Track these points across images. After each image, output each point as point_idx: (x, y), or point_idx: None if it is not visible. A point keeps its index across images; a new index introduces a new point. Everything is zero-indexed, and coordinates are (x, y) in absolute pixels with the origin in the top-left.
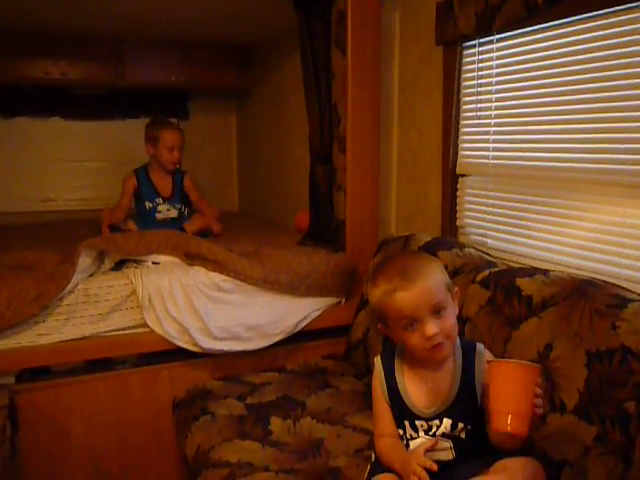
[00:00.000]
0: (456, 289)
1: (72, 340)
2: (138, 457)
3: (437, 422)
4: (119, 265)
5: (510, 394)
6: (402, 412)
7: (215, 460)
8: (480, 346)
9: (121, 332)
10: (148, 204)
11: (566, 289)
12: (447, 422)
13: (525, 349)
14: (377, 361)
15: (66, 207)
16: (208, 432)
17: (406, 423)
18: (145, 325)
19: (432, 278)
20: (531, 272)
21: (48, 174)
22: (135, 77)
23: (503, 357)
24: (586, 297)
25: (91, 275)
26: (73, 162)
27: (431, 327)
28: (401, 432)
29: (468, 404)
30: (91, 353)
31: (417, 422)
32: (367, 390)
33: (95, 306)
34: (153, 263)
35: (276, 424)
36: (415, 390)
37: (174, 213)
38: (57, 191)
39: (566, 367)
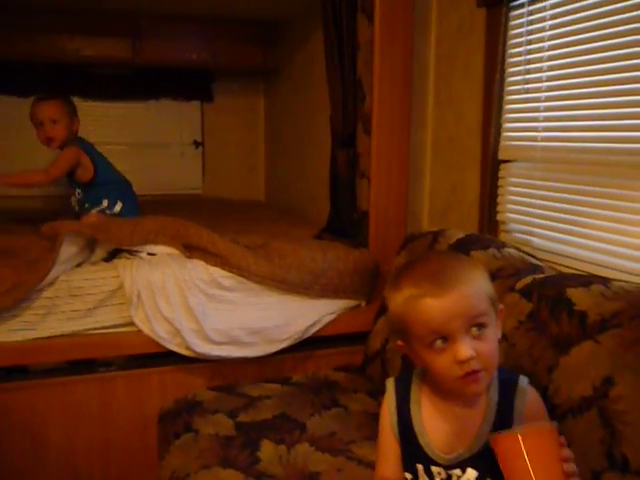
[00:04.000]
0: (501, 306)
1: (51, 337)
2: (122, 471)
3: (459, 472)
4: (112, 255)
5: (531, 475)
6: (414, 453)
7: None
8: (523, 380)
9: (106, 330)
10: None
11: (633, 306)
12: (472, 474)
13: (576, 381)
14: (389, 385)
15: None
16: (187, 455)
17: (419, 467)
18: (133, 324)
19: (473, 286)
20: (587, 281)
21: None
22: (154, 55)
23: (547, 388)
24: None
25: (78, 266)
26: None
27: (465, 348)
28: (409, 477)
29: None
30: (72, 353)
31: (433, 468)
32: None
33: (78, 300)
34: (148, 254)
35: (267, 450)
36: (434, 428)
37: (73, 202)
38: None
39: (632, 411)
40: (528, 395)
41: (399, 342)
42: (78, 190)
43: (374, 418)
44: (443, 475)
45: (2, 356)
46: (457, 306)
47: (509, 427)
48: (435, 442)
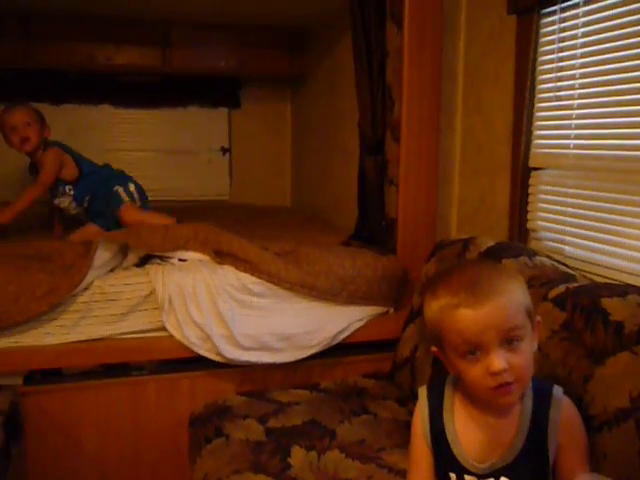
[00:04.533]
0: (538, 318)
1: (85, 341)
2: (153, 473)
3: None
4: (144, 261)
5: None
6: (447, 462)
7: None
8: (558, 390)
9: (138, 335)
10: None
11: None
12: None
13: (612, 392)
14: (422, 393)
15: None
16: (219, 459)
17: (452, 476)
18: (164, 329)
19: (509, 297)
20: (622, 291)
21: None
22: (183, 63)
23: (582, 399)
24: None
25: (111, 270)
26: (122, 151)
27: (499, 361)
28: None
29: (535, 464)
30: (105, 356)
31: (467, 477)
32: (410, 420)
33: (111, 305)
34: (180, 260)
35: (297, 456)
36: (467, 436)
37: (65, 203)
38: None
39: None
40: (563, 405)
41: (433, 348)
42: (68, 187)
43: (404, 426)
44: None
45: (37, 359)
46: (492, 317)
47: (544, 437)
48: (468, 451)
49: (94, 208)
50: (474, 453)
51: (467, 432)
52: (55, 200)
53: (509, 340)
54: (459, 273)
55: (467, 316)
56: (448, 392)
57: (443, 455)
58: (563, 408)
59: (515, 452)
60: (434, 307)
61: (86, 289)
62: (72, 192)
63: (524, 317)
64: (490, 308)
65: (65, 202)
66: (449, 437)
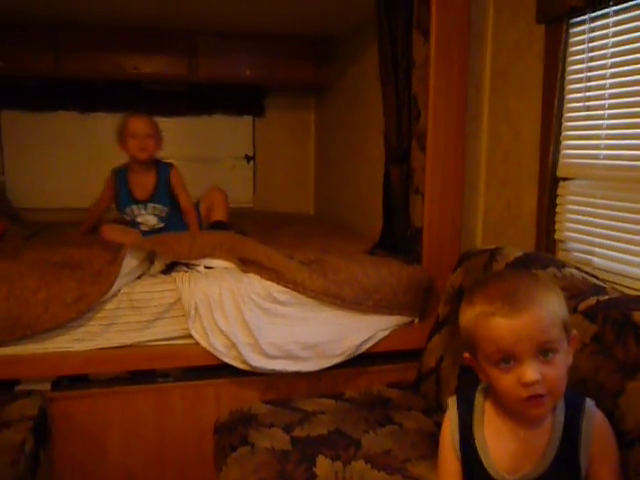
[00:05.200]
0: (575, 332)
1: (112, 348)
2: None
3: None
4: (170, 268)
5: None
6: (477, 474)
7: None
8: (590, 403)
9: (165, 342)
10: (126, 216)
11: None
12: None
13: None
14: (452, 403)
15: None
16: (244, 468)
17: None
18: (190, 336)
19: (546, 309)
20: None
21: None
22: (209, 71)
23: (613, 414)
24: None
25: (138, 278)
26: None
27: (531, 372)
28: None
29: (566, 476)
30: (132, 363)
31: None
32: (436, 431)
33: (138, 312)
34: (206, 267)
35: (323, 466)
36: (498, 447)
37: (153, 220)
38: None
39: None
40: (595, 418)
41: (466, 354)
42: (161, 206)
43: (429, 436)
44: None
45: (65, 365)
46: (527, 329)
47: (575, 449)
48: (498, 462)
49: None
50: (504, 464)
51: (498, 443)
52: (139, 218)
53: (544, 352)
54: (497, 282)
55: (502, 325)
56: (478, 402)
57: (473, 467)
58: (596, 420)
59: (546, 464)
60: (469, 314)
61: (114, 296)
62: (165, 215)
63: (560, 330)
64: (526, 319)
65: (151, 220)
66: (479, 448)
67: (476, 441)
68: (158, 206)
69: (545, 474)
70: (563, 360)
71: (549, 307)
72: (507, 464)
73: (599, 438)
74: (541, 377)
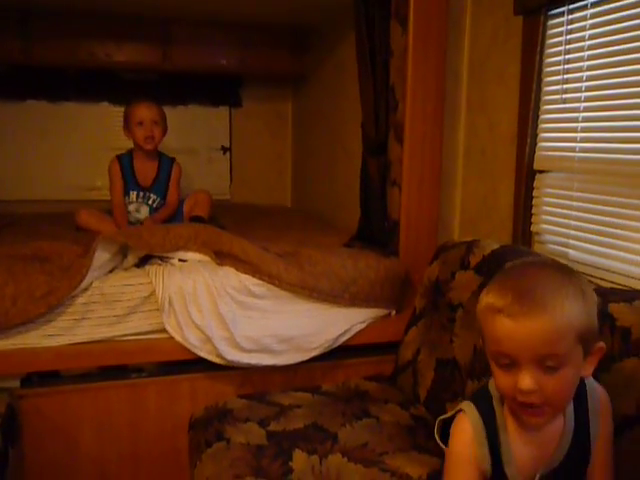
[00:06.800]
0: (601, 344)
1: (84, 343)
2: (152, 476)
3: None
4: (143, 261)
5: None
6: None
7: None
8: (590, 381)
9: (138, 337)
10: (128, 202)
11: None
12: None
13: (618, 399)
14: (470, 410)
15: None
16: (219, 464)
17: None
18: (164, 331)
19: (557, 319)
20: (629, 296)
21: (95, 161)
22: (184, 60)
23: None
24: None
25: (111, 271)
26: (121, 150)
27: (527, 380)
28: None
29: (580, 461)
30: (104, 359)
31: None
32: (413, 424)
33: (111, 307)
34: (180, 260)
35: (299, 460)
36: (521, 454)
37: (146, 210)
38: (104, 180)
39: None
40: (598, 392)
41: (481, 340)
42: (155, 197)
43: (406, 430)
44: None
45: (36, 361)
46: (529, 338)
47: (586, 430)
48: (520, 470)
49: None
50: (526, 471)
51: (520, 449)
52: (135, 205)
53: (545, 364)
54: (519, 273)
55: (505, 326)
56: (497, 406)
57: (496, 478)
58: (599, 395)
59: (561, 455)
60: (482, 302)
61: (85, 290)
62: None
63: (570, 344)
64: (530, 326)
65: (143, 211)
66: (504, 458)
67: (502, 451)
68: (153, 196)
69: (559, 466)
70: (570, 372)
71: (562, 316)
72: (528, 470)
73: (604, 412)
74: (538, 387)
